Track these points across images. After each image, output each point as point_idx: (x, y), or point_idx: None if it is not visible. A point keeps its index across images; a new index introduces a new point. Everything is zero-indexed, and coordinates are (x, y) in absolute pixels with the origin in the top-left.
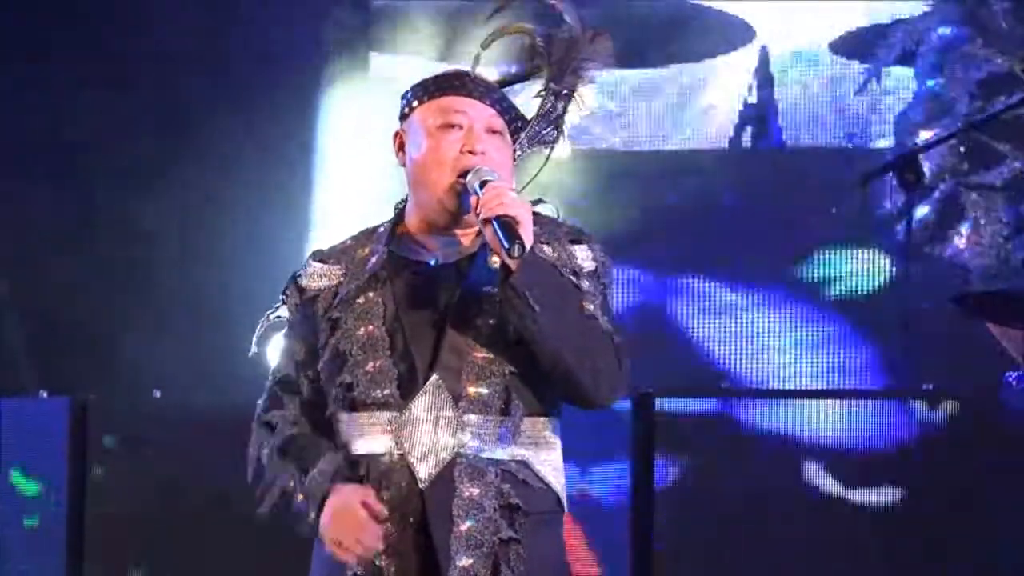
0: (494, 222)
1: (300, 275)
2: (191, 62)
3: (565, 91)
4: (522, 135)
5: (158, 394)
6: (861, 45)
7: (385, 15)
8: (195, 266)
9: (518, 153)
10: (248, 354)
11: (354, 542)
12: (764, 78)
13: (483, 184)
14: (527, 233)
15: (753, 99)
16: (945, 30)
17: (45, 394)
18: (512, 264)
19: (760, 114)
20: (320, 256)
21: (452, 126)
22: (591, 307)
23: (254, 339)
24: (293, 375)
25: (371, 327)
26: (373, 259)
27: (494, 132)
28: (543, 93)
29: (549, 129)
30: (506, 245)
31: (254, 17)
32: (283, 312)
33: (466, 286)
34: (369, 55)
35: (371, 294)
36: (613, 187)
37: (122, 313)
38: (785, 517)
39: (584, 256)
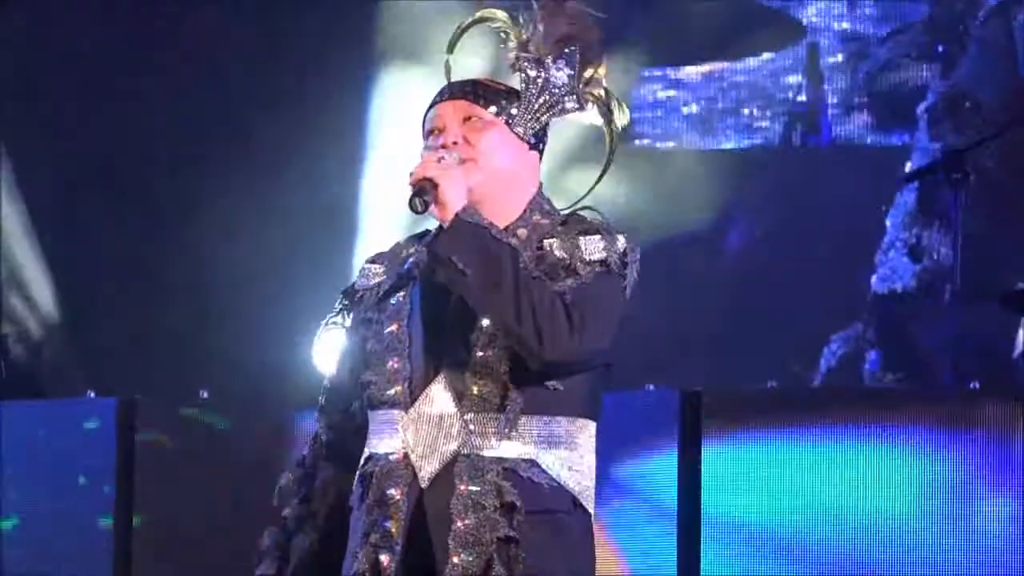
0: (411, 188)
1: (357, 279)
2: (240, 73)
3: (541, 57)
4: (523, 107)
5: (205, 395)
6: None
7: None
8: (243, 274)
9: (532, 125)
10: (311, 362)
11: None
12: (813, 75)
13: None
14: (446, 195)
15: (803, 97)
16: None
17: (92, 394)
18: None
19: (810, 111)
20: (373, 258)
21: (432, 132)
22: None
23: (312, 348)
24: (344, 382)
25: (396, 326)
26: (411, 259)
27: (468, 119)
28: (517, 63)
29: (563, 97)
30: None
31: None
32: (338, 319)
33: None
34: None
35: (402, 294)
36: (677, 186)
37: (171, 316)
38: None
39: (593, 247)
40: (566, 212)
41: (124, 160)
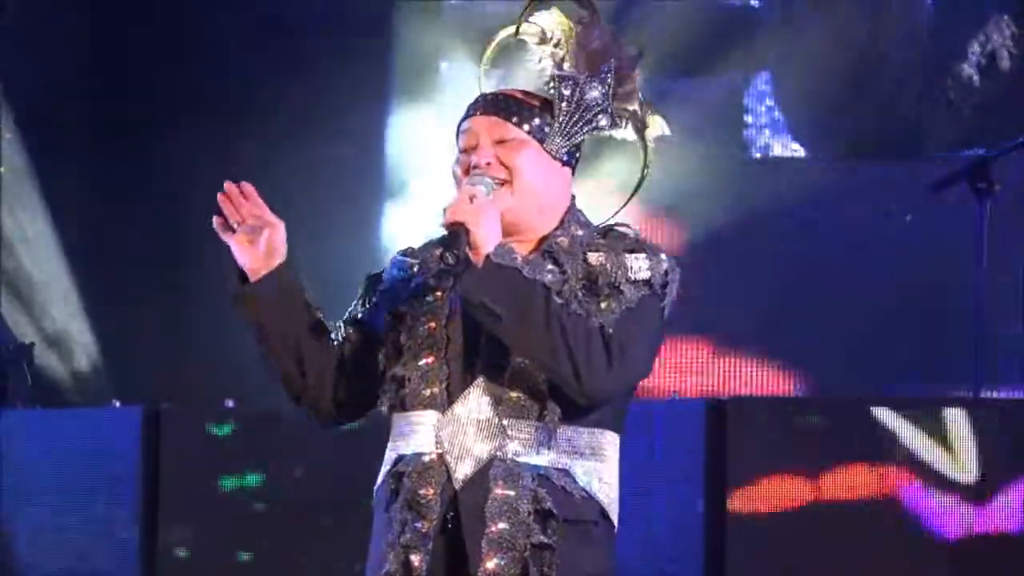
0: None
1: (386, 269)
2: (264, 72)
3: (575, 76)
4: (556, 126)
5: (231, 404)
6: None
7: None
8: None
9: (565, 144)
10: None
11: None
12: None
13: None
14: (479, 238)
15: None
16: None
17: (118, 403)
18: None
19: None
20: (405, 251)
21: (465, 150)
22: (603, 304)
23: (336, 332)
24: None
25: (434, 324)
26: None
27: (501, 141)
28: (551, 82)
29: (596, 116)
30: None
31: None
32: (359, 304)
33: None
34: (439, 63)
35: (439, 293)
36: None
37: (195, 323)
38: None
39: (639, 265)
40: (602, 226)
41: (153, 166)
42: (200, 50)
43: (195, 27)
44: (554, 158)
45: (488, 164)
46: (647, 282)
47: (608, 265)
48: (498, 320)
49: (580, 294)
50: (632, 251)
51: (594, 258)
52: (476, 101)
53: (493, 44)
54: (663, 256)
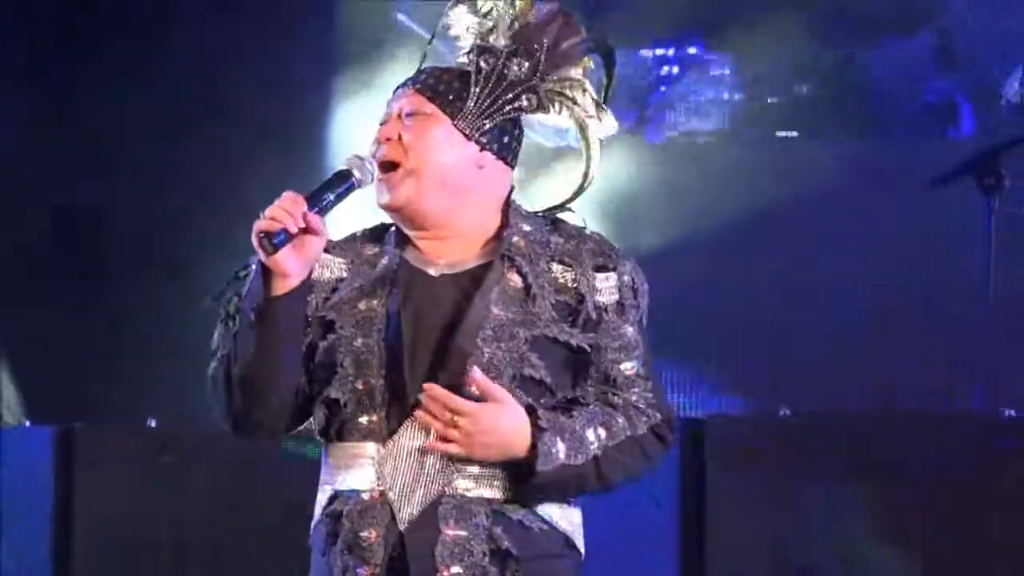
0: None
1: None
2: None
3: (491, 47)
4: (471, 102)
5: (153, 423)
6: None
7: None
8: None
9: (482, 123)
10: (203, 304)
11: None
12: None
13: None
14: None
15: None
16: None
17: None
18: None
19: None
20: (327, 245)
21: (384, 123)
22: (621, 428)
23: (213, 293)
24: None
25: (369, 340)
26: (384, 261)
27: (410, 114)
28: (470, 53)
29: (519, 95)
30: None
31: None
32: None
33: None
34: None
35: (374, 302)
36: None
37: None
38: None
39: (608, 286)
40: (547, 216)
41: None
42: None
43: None
44: (468, 137)
45: (388, 140)
46: (617, 305)
47: (581, 288)
48: (570, 495)
49: (553, 314)
50: (601, 268)
51: (560, 271)
52: (405, 79)
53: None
54: (626, 264)
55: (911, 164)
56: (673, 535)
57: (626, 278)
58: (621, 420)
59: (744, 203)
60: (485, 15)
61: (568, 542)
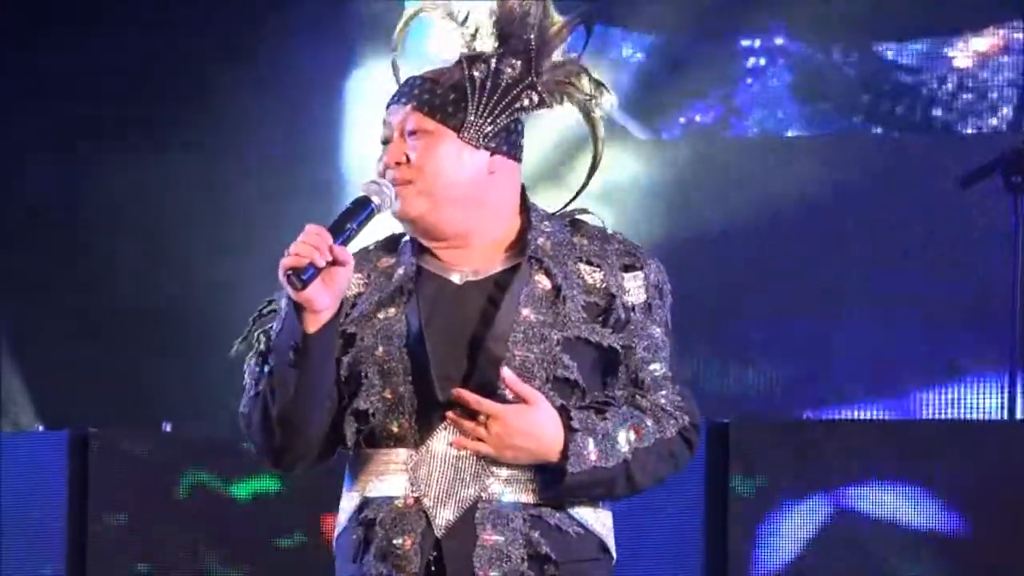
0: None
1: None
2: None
3: (480, 55)
4: (473, 112)
5: (168, 427)
6: None
7: None
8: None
9: (488, 130)
10: (231, 353)
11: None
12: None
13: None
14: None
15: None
16: None
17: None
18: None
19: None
20: None
21: (385, 142)
22: (650, 429)
23: (240, 338)
24: None
25: (390, 348)
26: (400, 271)
27: (413, 132)
28: (459, 65)
29: (519, 94)
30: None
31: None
32: (280, 307)
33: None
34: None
35: (393, 311)
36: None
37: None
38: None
39: (636, 286)
40: (565, 216)
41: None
42: None
43: None
44: (476, 147)
45: (398, 164)
46: (644, 305)
47: (610, 288)
48: (598, 497)
49: (583, 315)
50: (629, 268)
51: (588, 272)
52: (398, 90)
53: (400, 26)
54: (651, 263)
55: (938, 161)
56: (696, 538)
57: (652, 277)
58: (650, 423)
59: (774, 201)
60: (463, 22)
61: (602, 545)
